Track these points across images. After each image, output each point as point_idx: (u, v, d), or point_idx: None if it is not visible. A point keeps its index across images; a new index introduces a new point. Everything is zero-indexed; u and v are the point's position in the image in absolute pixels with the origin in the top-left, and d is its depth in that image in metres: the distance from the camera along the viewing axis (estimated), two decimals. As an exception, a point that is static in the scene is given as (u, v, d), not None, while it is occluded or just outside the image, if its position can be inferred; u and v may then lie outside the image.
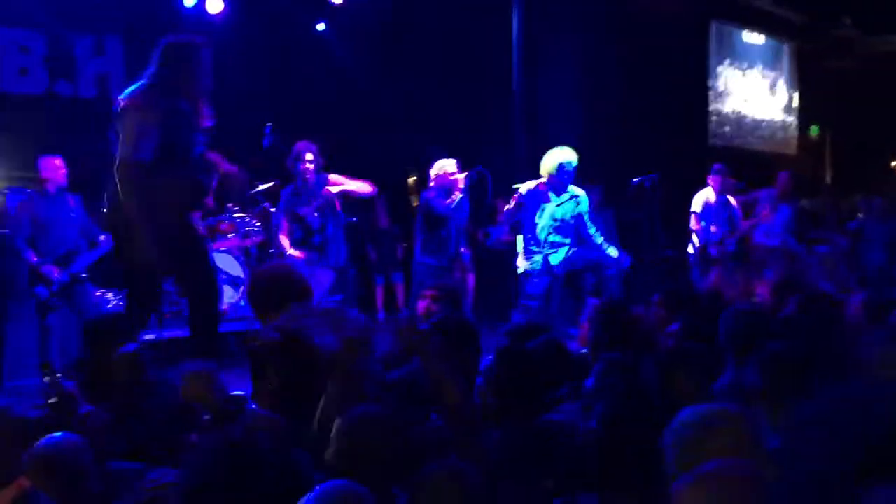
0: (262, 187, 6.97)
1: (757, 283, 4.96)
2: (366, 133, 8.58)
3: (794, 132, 13.58)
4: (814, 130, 13.87)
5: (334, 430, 2.08)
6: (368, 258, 8.94)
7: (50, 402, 2.34)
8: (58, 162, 5.76)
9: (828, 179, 13.78)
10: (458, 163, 6.09)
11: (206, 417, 2.44)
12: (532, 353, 2.91)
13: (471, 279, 7.40)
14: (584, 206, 5.98)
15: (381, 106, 8.74)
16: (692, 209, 7.31)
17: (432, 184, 6.11)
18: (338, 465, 1.99)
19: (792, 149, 13.44)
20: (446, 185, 6.03)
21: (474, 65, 9.19)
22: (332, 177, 5.91)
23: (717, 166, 7.47)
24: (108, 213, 4.22)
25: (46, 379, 2.39)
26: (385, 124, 8.75)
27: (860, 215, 9.14)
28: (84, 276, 5.75)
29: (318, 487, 1.67)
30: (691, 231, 7.34)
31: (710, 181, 7.43)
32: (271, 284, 3.14)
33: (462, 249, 6.43)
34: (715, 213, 7.30)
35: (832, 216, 9.27)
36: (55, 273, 5.59)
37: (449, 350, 2.66)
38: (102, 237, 5.85)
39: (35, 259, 5.58)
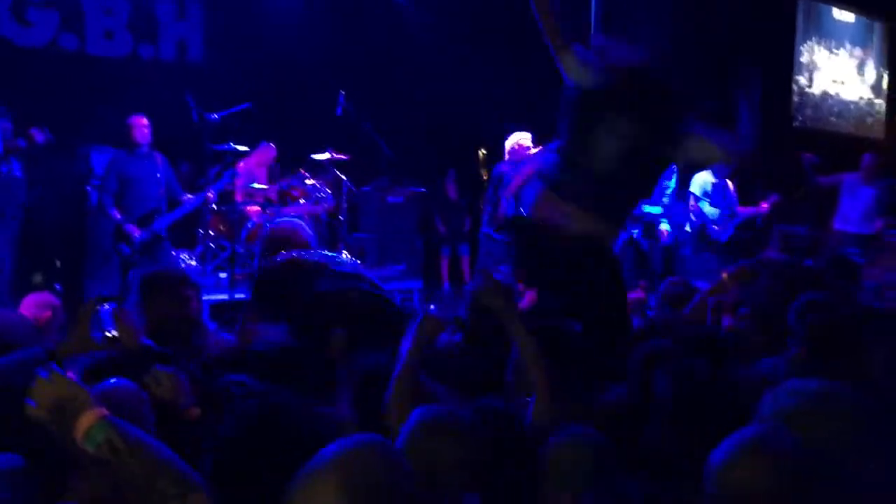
0: (335, 156, 7.02)
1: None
2: (438, 105, 8.55)
3: (882, 115, 13.01)
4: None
5: (405, 428, 1.85)
6: (436, 229, 8.97)
7: (109, 334, 2.25)
8: (145, 121, 5.91)
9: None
10: (532, 136, 6.03)
11: None
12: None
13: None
14: None
15: (454, 80, 8.68)
16: (690, 190, 7.25)
17: (507, 157, 6.06)
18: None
19: (880, 132, 12.88)
20: (520, 158, 5.97)
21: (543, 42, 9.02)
22: None
23: None
24: None
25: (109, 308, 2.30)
26: (457, 97, 8.70)
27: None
28: (164, 235, 5.91)
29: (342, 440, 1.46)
30: (688, 211, 7.29)
31: None
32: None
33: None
34: (712, 197, 7.19)
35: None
36: (136, 232, 5.76)
37: None
38: (185, 197, 6.00)
39: (119, 216, 5.76)
